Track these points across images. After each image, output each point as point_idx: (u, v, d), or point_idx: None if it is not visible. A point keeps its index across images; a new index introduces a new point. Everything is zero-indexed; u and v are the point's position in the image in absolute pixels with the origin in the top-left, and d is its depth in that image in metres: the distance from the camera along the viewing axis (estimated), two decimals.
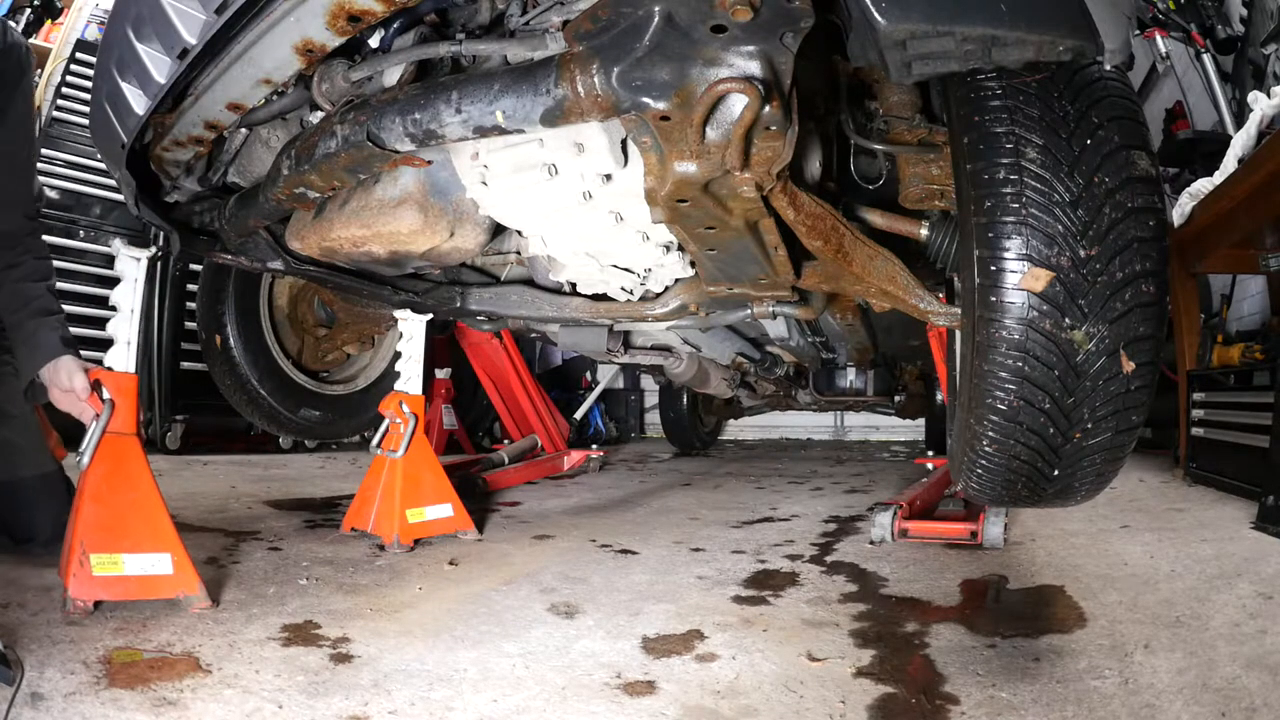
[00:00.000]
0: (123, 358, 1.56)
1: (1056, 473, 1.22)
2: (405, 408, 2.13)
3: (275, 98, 1.51)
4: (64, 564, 1.41)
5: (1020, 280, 1.09)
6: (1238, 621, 1.31)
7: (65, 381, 1.51)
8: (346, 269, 1.98)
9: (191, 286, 3.79)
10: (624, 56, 1.09)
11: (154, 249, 1.66)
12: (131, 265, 1.60)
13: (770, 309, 1.95)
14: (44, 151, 3.76)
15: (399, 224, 1.60)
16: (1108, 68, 1.13)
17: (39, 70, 3.82)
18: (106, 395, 1.49)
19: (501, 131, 1.24)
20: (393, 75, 1.36)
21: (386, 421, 2.14)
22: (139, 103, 1.48)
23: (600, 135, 1.33)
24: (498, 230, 1.82)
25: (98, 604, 1.38)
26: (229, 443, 4.28)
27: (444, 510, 2.13)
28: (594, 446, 4.64)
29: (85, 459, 1.45)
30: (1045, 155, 1.09)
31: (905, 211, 1.60)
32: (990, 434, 1.19)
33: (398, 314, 2.25)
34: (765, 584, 1.73)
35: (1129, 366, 1.12)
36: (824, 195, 1.47)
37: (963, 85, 1.16)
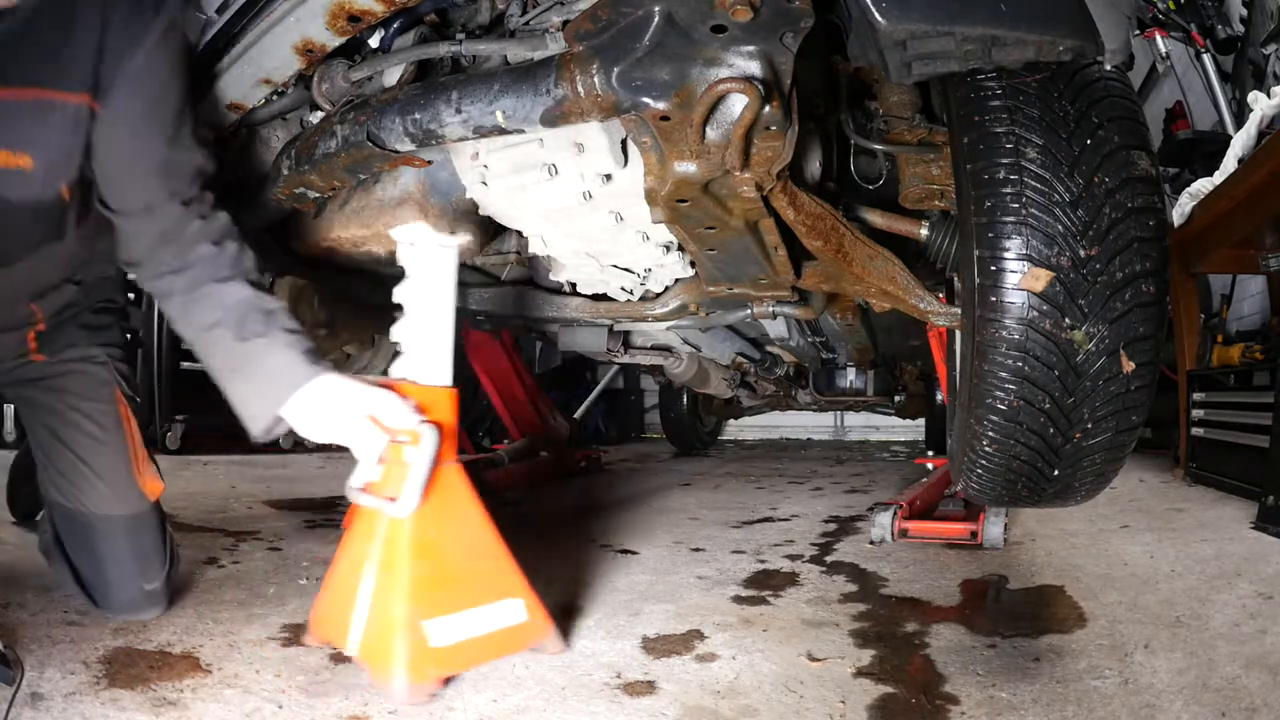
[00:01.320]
0: (436, 367, 1.24)
1: (1057, 473, 1.22)
2: None
3: (275, 98, 1.51)
4: (375, 644, 1.11)
5: (1020, 280, 1.09)
6: (1238, 621, 1.31)
7: (352, 417, 1.11)
8: (346, 269, 1.98)
9: None
10: (624, 56, 1.09)
11: (466, 236, 1.26)
12: (440, 256, 1.26)
13: (770, 309, 1.95)
14: None
15: (399, 224, 1.60)
16: (1108, 68, 1.13)
17: None
18: (422, 418, 1.15)
19: (501, 131, 1.24)
20: (393, 75, 1.36)
21: None
22: None
23: (600, 135, 1.33)
24: (498, 230, 1.82)
25: (447, 681, 1.12)
26: (229, 443, 4.27)
27: None
28: (594, 446, 4.64)
29: (409, 504, 1.11)
30: (1045, 155, 1.09)
31: (905, 211, 1.60)
32: (990, 434, 1.19)
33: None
34: (765, 584, 1.73)
35: (1129, 366, 1.12)
36: (824, 195, 1.47)
37: (963, 85, 1.16)
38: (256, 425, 1.13)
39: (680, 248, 1.68)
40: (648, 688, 1.14)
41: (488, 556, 1.20)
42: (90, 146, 1.10)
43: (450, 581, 1.15)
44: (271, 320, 1.14)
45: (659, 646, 1.31)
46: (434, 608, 1.12)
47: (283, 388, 1.11)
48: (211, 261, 1.16)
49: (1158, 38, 3.65)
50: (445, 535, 1.16)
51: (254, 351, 1.12)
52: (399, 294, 1.26)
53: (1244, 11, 3.39)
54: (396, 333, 1.23)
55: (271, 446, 4.41)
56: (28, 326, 1.32)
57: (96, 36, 1.04)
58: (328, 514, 2.49)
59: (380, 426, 1.13)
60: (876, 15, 0.95)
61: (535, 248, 1.77)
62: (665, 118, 1.13)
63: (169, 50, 1.10)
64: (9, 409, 3.29)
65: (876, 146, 1.53)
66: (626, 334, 2.60)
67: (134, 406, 1.40)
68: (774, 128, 1.13)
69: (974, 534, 1.97)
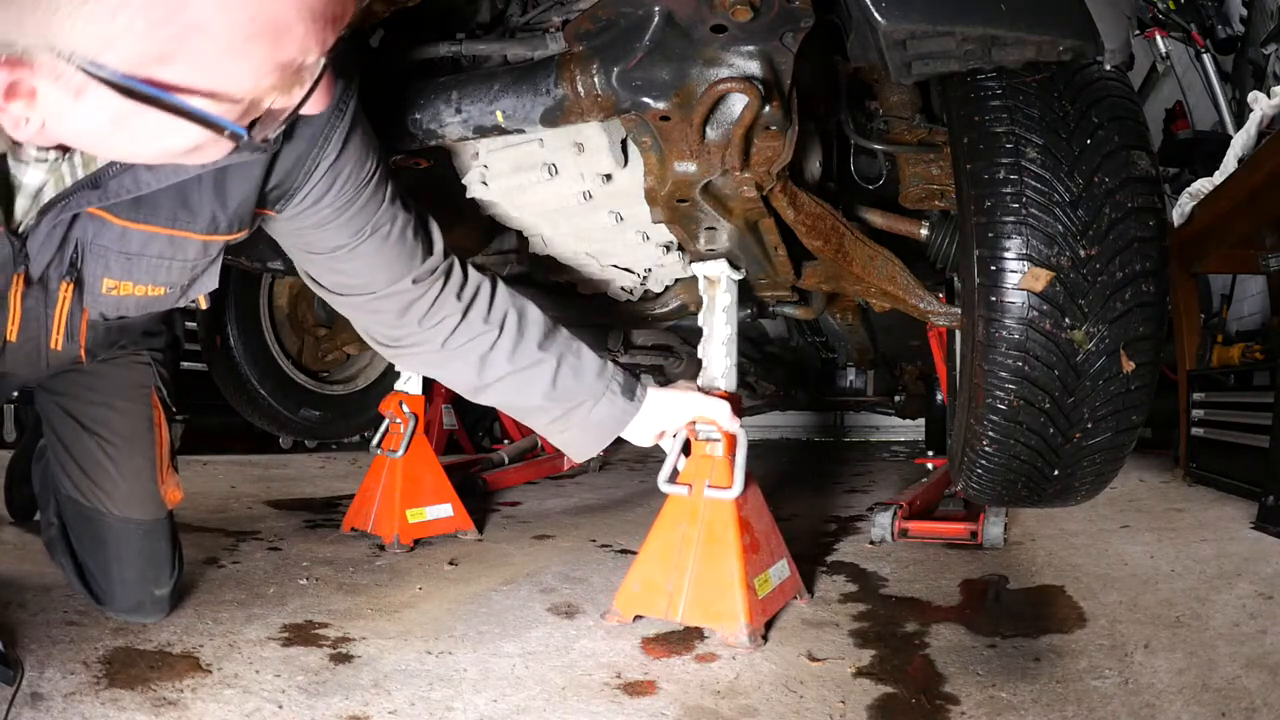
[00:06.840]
0: (730, 378, 1.55)
1: (1057, 473, 1.22)
2: (405, 408, 2.13)
3: None
4: (714, 603, 1.35)
5: (1020, 280, 1.09)
6: (1238, 621, 1.31)
7: (668, 425, 1.34)
8: None
9: None
10: (624, 56, 1.09)
11: (737, 272, 1.51)
12: (732, 289, 1.54)
13: (770, 309, 1.95)
14: None
15: None
16: (1108, 68, 1.14)
17: None
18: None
19: (501, 131, 1.25)
20: None
21: (386, 421, 2.14)
22: None
23: (600, 135, 1.33)
24: (497, 230, 1.82)
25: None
26: (229, 443, 4.27)
27: (444, 510, 2.12)
28: None
29: (738, 488, 1.34)
30: (1045, 155, 1.09)
31: (905, 211, 1.60)
32: (990, 434, 1.19)
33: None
34: None
35: (1129, 366, 1.12)
36: (824, 195, 1.47)
37: (963, 85, 1.16)
38: (581, 458, 1.34)
39: (680, 248, 1.68)
40: (648, 688, 1.14)
41: (769, 526, 1.47)
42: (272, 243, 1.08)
43: (758, 546, 1.40)
44: (578, 374, 1.23)
45: (659, 646, 1.31)
46: (754, 568, 1.36)
47: (607, 434, 1.28)
48: (476, 328, 1.20)
49: (1158, 38, 3.65)
50: (750, 512, 1.41)
51: (575, 419, 1.25)
52: (701, 319, 1.51)
53: (1244, 11, 3.39)
54: (701, 351, 1.52)
55: (271, 446, 4.41)
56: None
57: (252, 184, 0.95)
58: (328, 514, 2.49)
59: (689, 429, 1.37)
60: (876, 15, 0.95)
61: (535, 247, 1.77)
62: (665, 118, 1.13)
63: (349, 152, 0.99)
64: (9, 409, 3.29)
65: (876, 146, 1.53)
66: (626, 334, 2.60)
67: (169, 414, 1.37)
68: (774, 128, 1.13)
69: (974, 534, 1.97)
